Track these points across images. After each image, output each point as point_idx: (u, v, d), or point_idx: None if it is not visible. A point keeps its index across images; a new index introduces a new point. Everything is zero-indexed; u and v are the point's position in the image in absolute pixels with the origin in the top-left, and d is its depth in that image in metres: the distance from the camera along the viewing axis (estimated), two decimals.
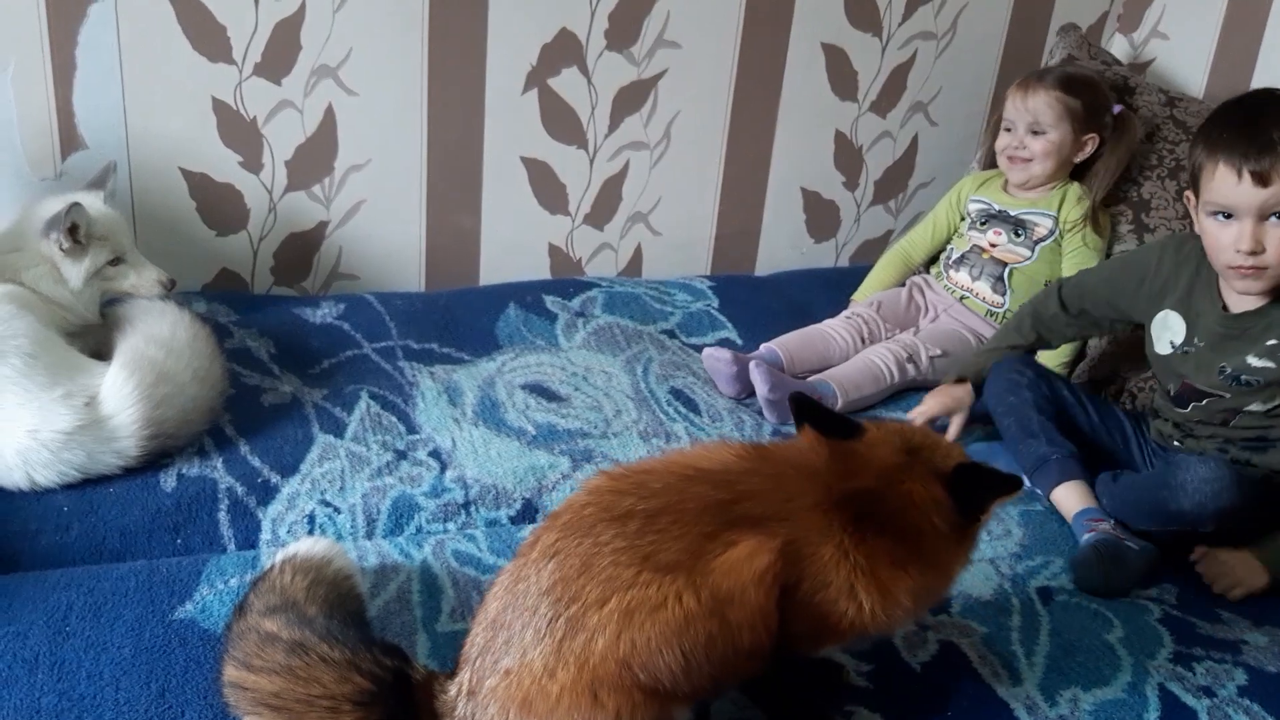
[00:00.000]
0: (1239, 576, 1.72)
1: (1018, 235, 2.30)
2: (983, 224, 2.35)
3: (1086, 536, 1.74)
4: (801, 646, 1.31)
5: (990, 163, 2.44)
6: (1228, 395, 1.79)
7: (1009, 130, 2.31)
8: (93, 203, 1.92)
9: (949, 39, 2.67)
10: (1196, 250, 1.83)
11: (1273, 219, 1.66)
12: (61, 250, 1.85)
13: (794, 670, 1.34)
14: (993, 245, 2.32)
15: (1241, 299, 1.76)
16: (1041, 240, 2.28)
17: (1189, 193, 1.79)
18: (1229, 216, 1.69)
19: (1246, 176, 1.65)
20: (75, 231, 1.85)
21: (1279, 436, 1.79)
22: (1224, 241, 1.70)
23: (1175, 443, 1.89)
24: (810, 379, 2.13)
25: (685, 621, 1.16)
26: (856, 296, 2.46)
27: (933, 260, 2.48)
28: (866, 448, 1.31)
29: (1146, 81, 2.52)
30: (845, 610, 1.25)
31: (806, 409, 1.34)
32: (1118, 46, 2.79)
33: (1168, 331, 1.85)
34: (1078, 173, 2.33)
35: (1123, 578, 1.68)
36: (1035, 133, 2.26)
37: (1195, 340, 1.81)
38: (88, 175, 2.14)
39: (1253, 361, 1.74)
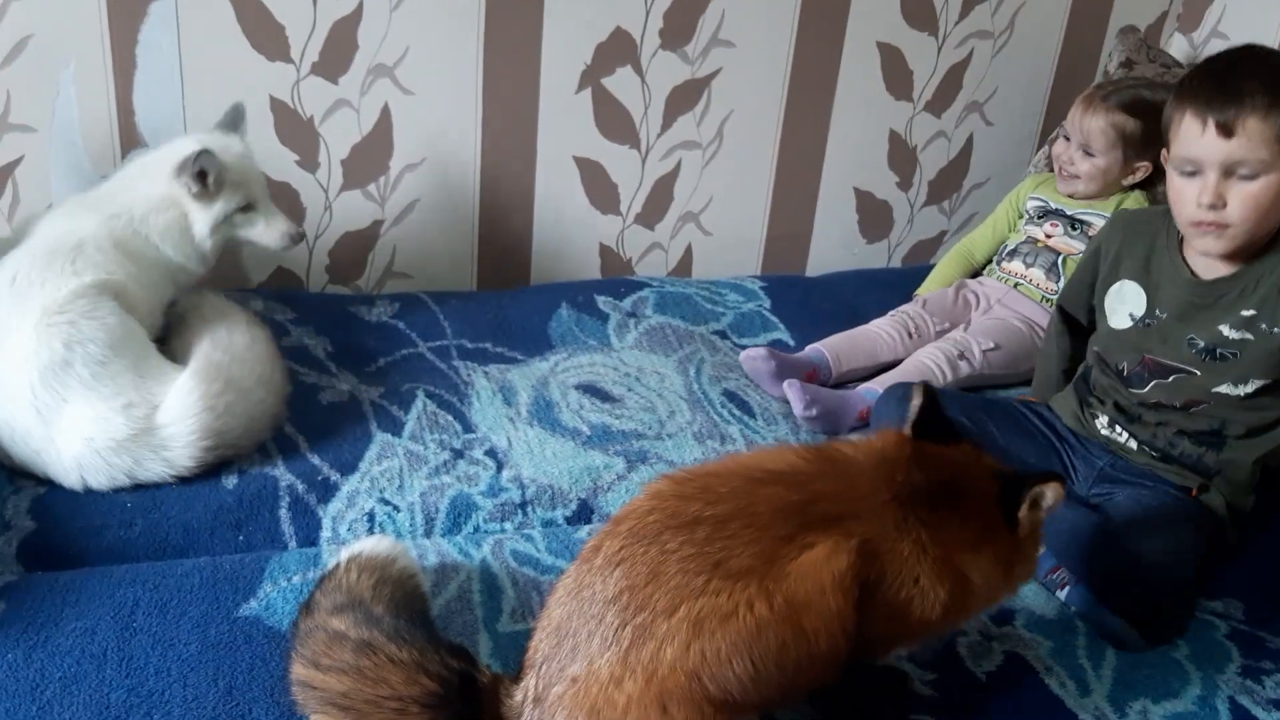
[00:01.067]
0: None
1: (1074, 229, 2.28)
2: (1040, 218, 2.33)
3: (1067, 593, 1.64)
4: (876, 649, 1.30)
5: (1051, 166, 2.42)
6: (1198, 372, 1.68)
7: (1068, 140, 2.29)
8: (227, 145, 1.85)
9: (1006, 38, 2.64)
10: (1152, 219, 1.76)
11: (1237, 176, 1.57)
12: (190, 194, 1.81)
13: (860, 678, 1.33)
14: (1048, 236, 2.30)
15: (1212, 265, 1.67)
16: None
17: (1164, 151, 1.69)
18: (1194, 173, 1.60)
19: (1211, 126, 1.56)
20: (204, 177, 1.79)
21: (1238, 434, 1.69)
22: (1187, 196, 1.61)
23: (1106, 431, 1.79)
24: (859, 389, 2.10)
25: (757, 630, 1.15)
26: (919, 293, 2.44)
27: (989, 261, 2.46)
28: (946, 449, 1.30)
29: None
30: (923, 602, 1.24)
31: (930, 405, 1.34)
32: (1177, 47, 2.75)
33: (1124, 304, 1.76)
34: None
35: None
36: (1086, 153, 2.23)
37: (1157, 311, 1.71)
38: None
39: (1227, 332, 1.65)
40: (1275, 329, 1.61)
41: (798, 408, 2.01)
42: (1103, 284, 1.80)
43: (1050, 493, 1.28)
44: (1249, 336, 1.63)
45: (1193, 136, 1.58)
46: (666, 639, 1.15)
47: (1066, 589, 1.63)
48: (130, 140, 2.16)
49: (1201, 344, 1.66)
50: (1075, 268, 1.94)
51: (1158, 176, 2.23)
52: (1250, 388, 1.65)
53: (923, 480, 1.26)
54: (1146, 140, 2.20)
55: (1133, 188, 2.28)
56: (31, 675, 1.31)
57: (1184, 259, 1.70)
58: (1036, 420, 1.87)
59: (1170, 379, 1.71)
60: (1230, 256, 1.64)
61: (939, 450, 1.30)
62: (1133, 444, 1.77)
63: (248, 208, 1.88)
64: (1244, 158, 1.55)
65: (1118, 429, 1.79)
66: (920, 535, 1.23)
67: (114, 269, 1.75)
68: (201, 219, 1.83)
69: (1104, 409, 1.81)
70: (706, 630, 1.15)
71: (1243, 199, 1.57)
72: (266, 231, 1.90)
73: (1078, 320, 1.91)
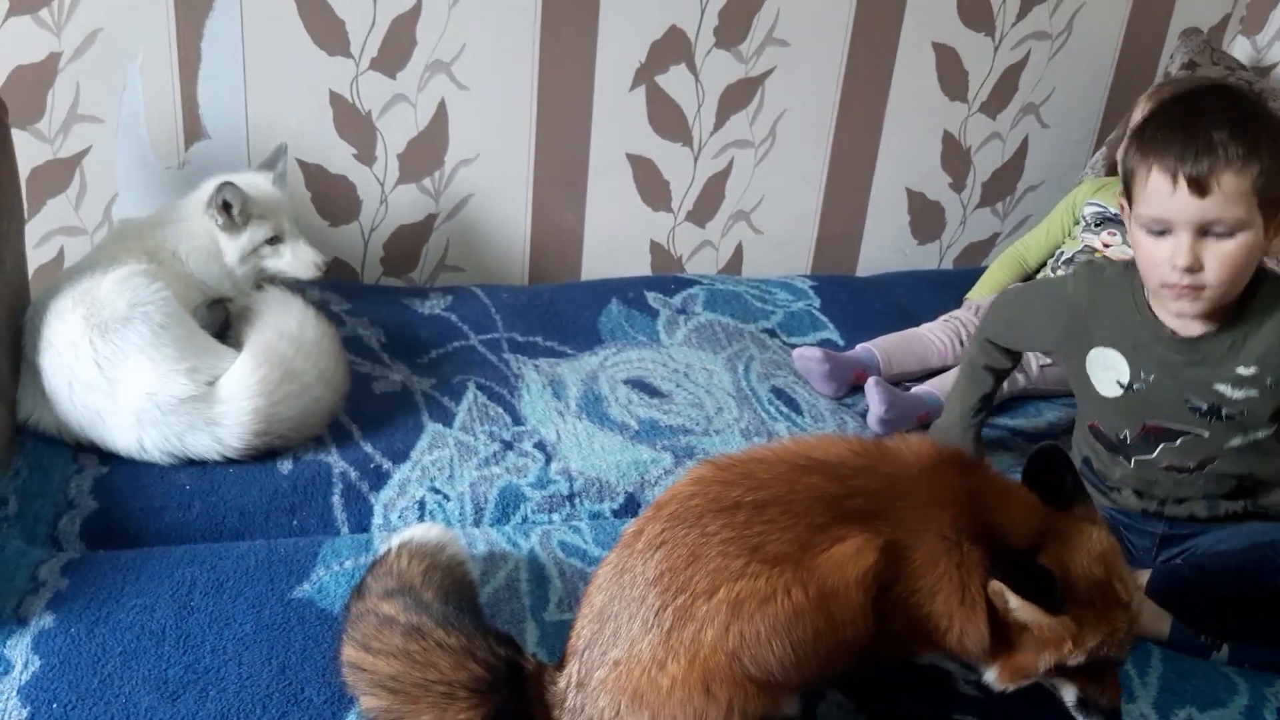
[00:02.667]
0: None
1: None
2: (1097, 225, 2.30)
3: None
4: (898, 649, 1.30)
5: (1111, 170, 2.39)
6: (1206, 433, 1.56)
7: None
8: (257, 182, 1.96)
9: (1064, 39, 2.61)
10: (1116, 276, 1.61)
11: (1213, 235, 1.44)
12: (219, 227, 1.91)
13: (901, 676, 1.33)
14: (1105, 245, 2.27)
15: (1187, 322, 1.53)
16: None
17: (1122, 200, 1.55)
18: (1164, 232, 1.46)
19: (1182, 183, 1.42)
20: (229, 209, 1.90)
21: (1274, 473, 1.58)
22: (1158, 258, 1.47)
23: (1142, 507, 1.66)
24: (915, 390, 2.09)
25: (794, 614, 1.16)
26: (970, 296, 2.43)
27: (1042, 266, 2.44)
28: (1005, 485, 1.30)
29: (1272, 86, 2.44)
30: (931, 616, 1.23)
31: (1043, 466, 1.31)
32: (1240, 49, 2.71)
33: (1110, 371, 1.61)
34: None
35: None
36: None
37: (1144, 375, 1.57)
38: (210, 164, 2.21)
39: (1228, 392, 1.53)
40: None
41: (879, 409, 1.99)
42: (1078, 347, 1.64)
43: (1012, 599, 1.20)
44: (1253, 394, 1.52)
45: (1162, 195, 1.44)
46: (707, 620, 1.16)
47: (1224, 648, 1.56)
48: (193, 132, 2.21)
49: (1204, 406, 1.55)
50: (1020, 300, 1.79)
51: None
52: (1263, 433, 1.56)
53: (985, 516, 1.25)
54: None
55: None
56: (94, 649, 1.35)
57: (1156, 316, 1.56)
58: None
59: (1178, 442, 1.59)
60: (1207, 315, 1.52)
61: (997, 484, 1.29)
62: (1182, 511, 1.65)
63: (275, 239, 1.96)
64: (1219, 216, 1.42)
65: (1152, 506, 1.66)
66: (961, 559, 1.22)
67: (161, 273, 1.85)
68: (230, 249, 1.93)
69: (1123, 496, 1.68)
70: (745, 612, 1.16)
71: (1219, 260, 1.44)
72: (294, 262, 1.98)
73: (1005, 359, 1.80)
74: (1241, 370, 1.52)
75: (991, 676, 1.27)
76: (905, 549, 1.22)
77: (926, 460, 1.28)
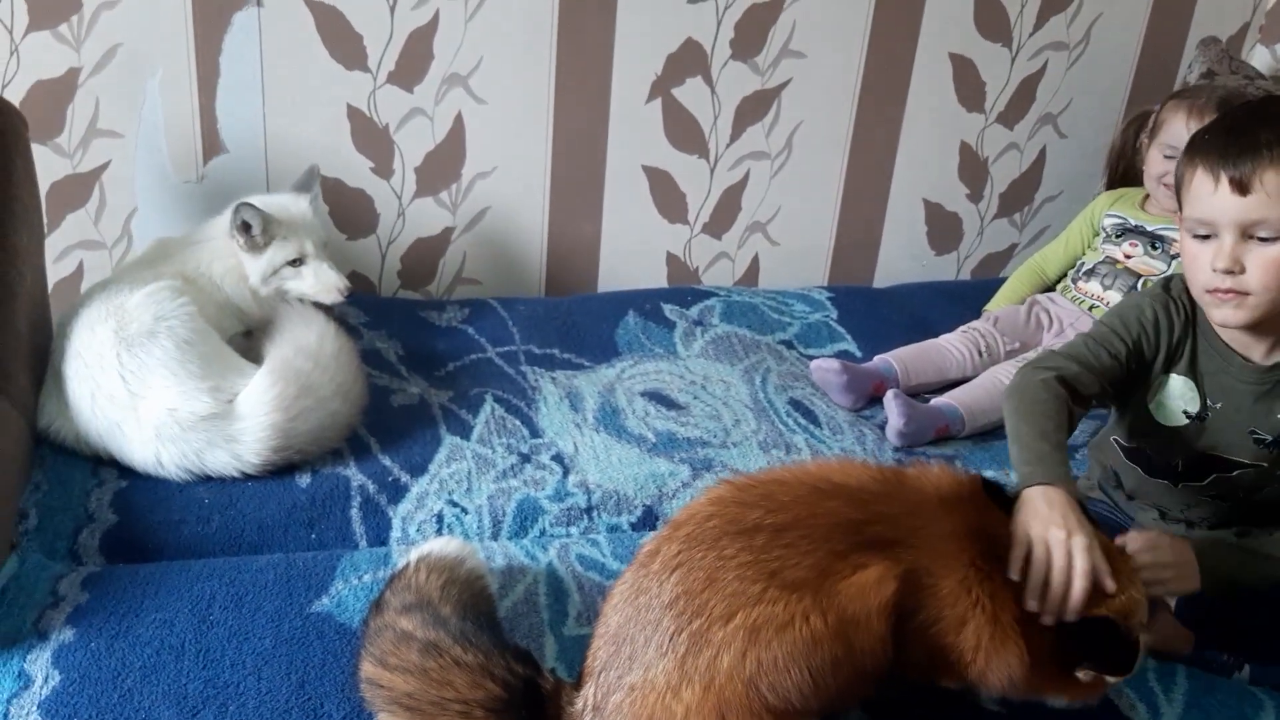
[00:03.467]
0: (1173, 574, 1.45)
1: (1154, 248, 2.24)
2: (1118, 237, 2.29)
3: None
4: (923, 675, 1.28)
5: (1119, 181, 2.38)
6: (1266, 464, 1.51)
7: (1169, 158, 2.18)
8: (283, 202, 1.97)
9: (1081, 49, 2.60)
10: (1186, 299, 1.55)
11: (1256, 239, 1.39)
12: (241, 247, 1.92)
13: (925, 695, 1.32)
14: (1127, 257, 2.26)
15: (1249, 344, 1.49)
16: (1179, 255, 2.21)
17: (1178, 215, 1.51)
18: (1208, 236, 1.43)
19: (1224, 182, 1.38)
20: (248, 229, 1.90)
21: None
22: (1201, 261, 1.44)
23: (1149, 521, 1.64)
24: (935, 402, 2.08)
25: (813, 642, 1.14)
26: (989, 307, 2.41)
27: (1061, 278, 2.43)
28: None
29: None
30: (956, 647, 1.22)
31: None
32: (1259, 58, 2.69)
33: (1179, 400, 1.55)
34: None
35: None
36: None
37: (1209, 402, 1.53)
38: (228, 179, 2.23)
39: None
40: None
41: (898, 422, 1.98)
42: (1145, 370, 1.57)
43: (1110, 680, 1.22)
44: None
45: (1205, 194, 1.41)
46: (723, 646, 1.14)
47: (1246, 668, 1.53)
48: (212, 147, 2.22)
49: (1269, 438, 1.51)
50: (1098, 334, 1.61)
51: None
52: None
53: (986, 523, 1.25)
54: None
55: None
56: (114, 664, 1.36)
57: (1225, 342, 1.52)
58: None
59: (1234, 472, 1.55)
60: (1258, 328, 1.47)
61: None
62: (1197, 532, 1.62)
63: (298, 261, 1.96)
64: (1263, 217, 1.38)
65: (1178, 529, 1.62)
66: (968, 576, 1.22)
67: (189, 290, 1.86)
68: (253, 269, 1.94)
69: (1145, 514, 1.66)
70: (763, 639, 1.14)
71: (1263, 264, 1.39)
72: (316, 285, 1.97)
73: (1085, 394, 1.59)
74: None
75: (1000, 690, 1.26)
76: (929, 578, 1.21)
77: (946, 489, 1.27)
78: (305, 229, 1.97)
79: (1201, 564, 1.44)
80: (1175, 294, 1.57)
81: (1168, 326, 1.56)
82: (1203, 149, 1.43)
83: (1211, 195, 1.41)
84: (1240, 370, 1.51)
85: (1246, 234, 1.40)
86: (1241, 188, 1.38)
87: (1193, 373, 1.55)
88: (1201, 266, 1.44)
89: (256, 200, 1.92)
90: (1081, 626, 1.25)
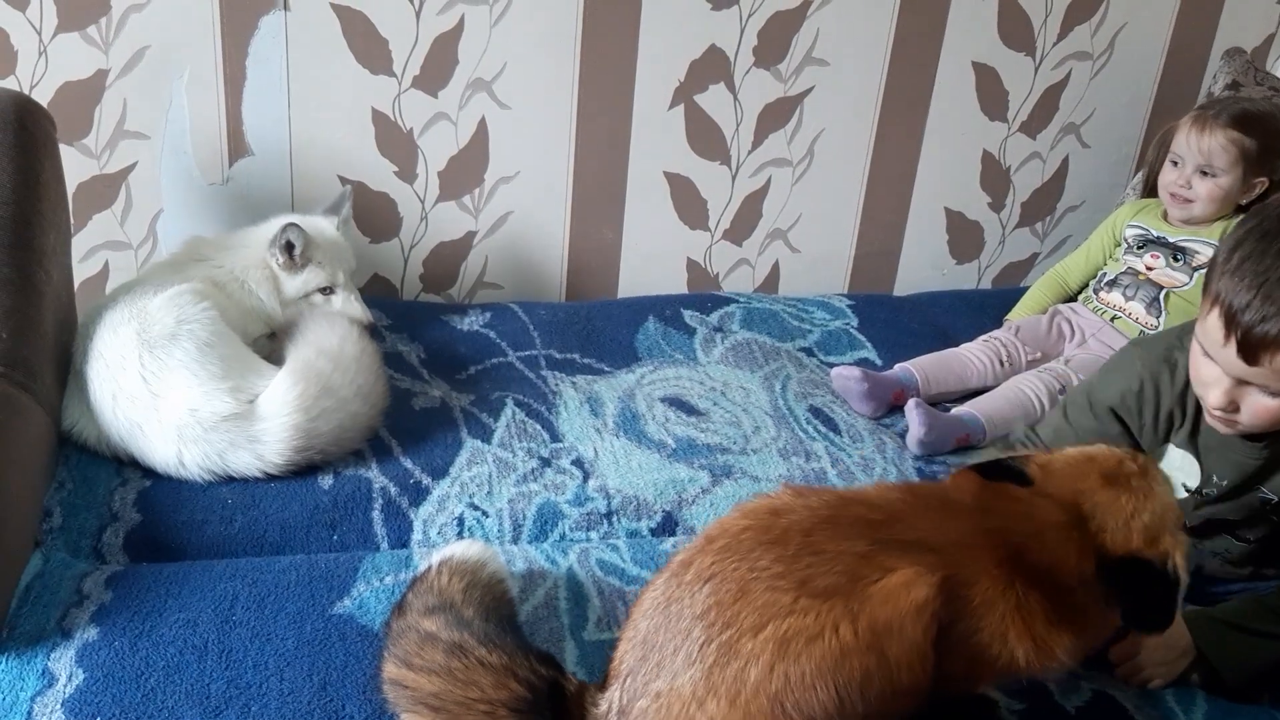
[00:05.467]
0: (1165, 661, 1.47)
1: (1176, 260, 2.23)
2: (1140, 248, 2.28)
3: None
4: (957, 687, 1.28)
5: (1148, 192, 2.37)
6: (1276, 517, 1.52)
7: (1176, 165, 2.21)
8: (320, 227, 2.02)
9: (1105, 59, 2.60)
10: (1185, 369, 1.51)
11: (1255, 385, 1.37)
12: (278, 265, 1.97)
13: (945, 705, 1.31)
14: (1149, 269, 2.25)
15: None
16: (1201, 267, 2.20)
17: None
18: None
19: (1233, 343, 1.34)
20: (290, 250, 1.95)
21: None
22: (1202, 377, 1.42)
23: None
24: (956, 411, 2.08)
25: (841, 655, 1.13)
26: (1011, 316, 2.41)
27: (1083, 288, 2.42)
28: (1030, 496, 1.28)
29: None
30: (998, 654, 1.22)
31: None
32: None
33: (1177, 472, 1.54)
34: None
35: None
36: (1205, 174, 2.17)
37: (1216, 480, 1.51)
38: (253, 181, 2.24)
39: None
40: None
41: (919, 431, 1.98)
42: (1149, 443, 1.56)
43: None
44: None
45: (1214, 336, 1.36)
46: (751, 658, 1.14)
47: None
48: (238, 149, 2.23)
49: (1276, 499, 1.49)
50: (1091, 391, 1.61)
51: (1273, 191, 2.18)
52: None
53: (1000, 528, 1.25)
54: (1263, 154, 2.13)
55: (1245, 208, 2.22)
56: (137, 663, 1.36)
57: None
58: None
59: (1241, 531, 1.55)
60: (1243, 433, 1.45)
61: (1026, 501, 1.28)
62: (1218, 573, 1.61)
63: (328, 290, 2.01)
64: (1264, 383, 1.36)
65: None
66: (996, 584, 1.21)
67: (213, 294, 1.89)
68: (287, 286, 1.98)
69: None
70: (792, 652, 1.13)
71: (1256, 411, 1.38)
72: (342, 315, 1.99)
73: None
74: None
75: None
76: (959, 586, 1.20)
77: (975, 501, 1.28)
78: (340, 259, 2.03)
79: (1208, 655, 1.45)
80: (1175, 368, 1.52)
81: (1154, 397, 1.53)
82: (1230, 283, 1.34)
83: (1220, 345, 1.36)
84: (1240, 446, 1.49)
85: (1243, 381, 1.37)
86: (1249, 358, 1.34)
87: (1193, 445, 1.53)
88: (1202, 382, 1.43)
89: (302, 222, 1.96)
90: (1120, 568, 1.23)
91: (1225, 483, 1.50)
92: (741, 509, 1.27)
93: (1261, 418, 1.38)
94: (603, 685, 1.26)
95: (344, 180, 2.30)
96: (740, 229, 2.57)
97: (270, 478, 1.73)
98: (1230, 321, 1.34)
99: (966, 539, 1.24)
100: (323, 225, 2.02)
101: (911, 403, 2.02)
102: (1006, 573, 1.22)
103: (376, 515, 1.71)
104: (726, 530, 1.24)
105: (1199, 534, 1.57)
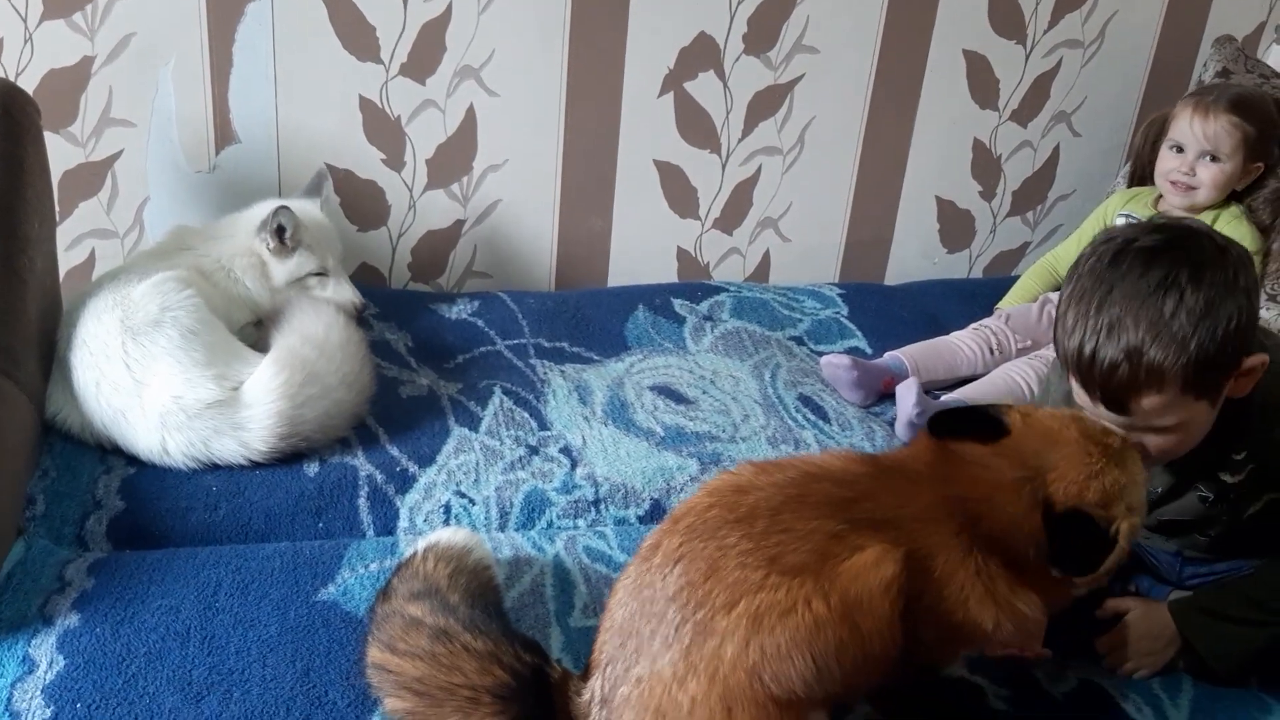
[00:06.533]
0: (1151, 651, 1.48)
1: None
2: None
3: None
4: (933, 656, 1.28)
5: (1136, 181, 2.36)
6: (1225, 516, 1.50)
7: (1177, 152, 2.18)
8: (308, 210, 2.01)
9: (1096, 47, 2.59)
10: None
11: (1145, 433, 1.36)
12: (269, 250, 1.95)
13: (932, 690, 1.32)
14: None
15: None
16: None
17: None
18: None
19: (1100, 401, 1.34)
20: (282, 234, 1.94)
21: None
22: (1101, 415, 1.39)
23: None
24: (945, 398, 2.08)
25: (815, 627, 1.14)
26: (1001, 305, 2.40)
27: None
28: (985, 457, 1.28)
29: None
30: (964, 620, 1.22)
31: (944, 422, 1.31)
32: (1275, 57, 2.67)
33: None
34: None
35: None
36: (1211, 159, 2.16)
37: (1151, 487, 1.48)
38: (240, 169, 2.23)
39: (1231, 479, 1.46)
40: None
41: (910, 411, 1.97)
42: None
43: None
44: (1252, 466, 1.45)
45: (1085, 403, 1.37)
46: (726, 635, 1.14)
47: None
48: (224, 137, 2.22)
49: (1212, 496, 1.49)
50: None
51: (1266, 176, 2.18)
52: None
53: (953, 495, 1.25)
54: (1260, 139, 2.13)
55: (1240, 196, 2.21)
56: (119, 649, 1.36)
57: None
58: None
59: (1193, 532, 1.54)
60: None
61: (980, 462, 1.27)
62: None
63: (320, 273, 2.00)
64: (1146, 424, 1.35)
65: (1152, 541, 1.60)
66: (955, 552, 1.22)
67: (198, 281, 1.88)
68: (277, 271, 1.97)
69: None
70: (766, 626, 1.14)
71: (1158, 450, 1.38)
72: (334, 299, 2.00)
73: None
74: (1236, 456, 1.45)
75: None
76: (922, 559, 1.21)
77: (910, 465, 1.28)
78: (329, 243, 2.02)
79: (1194, 644, 1.46)
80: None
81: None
82: (1069, 349, 1.34)
83: (1094, 408, 1.36)
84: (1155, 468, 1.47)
85: (1133, 428, 1.36)
86: (1118, 408, 1.34)
87: None
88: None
89: (294, 205, 1.95)
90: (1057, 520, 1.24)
91: (1159, 488, 1.50)
92: (706, 488, 1.27)
93: (1166, 453, 1.38)
94: (585, 675, 1.26)
95: (332, 168, 2.29)
96: (730, 218, 2.56)
97: (255, 465, 1.72)
98: (1087, 380, 1.34)
99: (926, 511, 1.24)
100: (309, 208, 2.01)
101: (906, 383, 2.01)
102: (965, 541, 1.23)
103: (362, 502, 1.70)
104: (692, 509, 1.25)
105: (1164, 533, 1.56)
